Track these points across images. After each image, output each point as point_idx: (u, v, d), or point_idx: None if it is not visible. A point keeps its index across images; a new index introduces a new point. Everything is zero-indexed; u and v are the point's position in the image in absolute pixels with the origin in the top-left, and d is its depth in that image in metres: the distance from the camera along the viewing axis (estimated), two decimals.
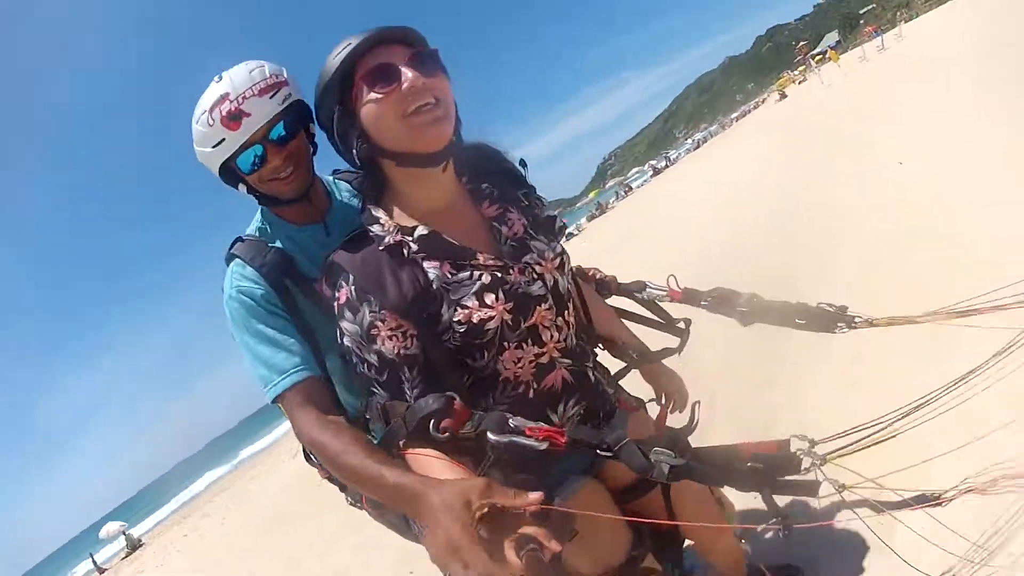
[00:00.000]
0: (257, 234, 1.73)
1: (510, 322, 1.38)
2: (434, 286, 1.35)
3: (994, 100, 7.30)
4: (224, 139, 1.58)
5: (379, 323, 1.34)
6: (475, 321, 1.35)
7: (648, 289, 1.94)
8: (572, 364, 1.50)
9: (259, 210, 1.77)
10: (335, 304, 1.39)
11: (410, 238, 1.39)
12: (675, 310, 2.05)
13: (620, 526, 1.59)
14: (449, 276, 1.37)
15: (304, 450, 1.77)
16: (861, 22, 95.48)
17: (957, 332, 1.91)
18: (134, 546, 22.58)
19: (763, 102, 74.98)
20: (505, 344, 1.39)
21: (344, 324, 1.38)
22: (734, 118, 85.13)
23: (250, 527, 11.46)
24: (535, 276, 1.44)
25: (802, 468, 1.20)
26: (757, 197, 10.28)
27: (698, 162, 36.36)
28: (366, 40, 1.33)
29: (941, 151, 6.64)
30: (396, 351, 1.34)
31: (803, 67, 68.54)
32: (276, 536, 8.68)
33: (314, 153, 1.73)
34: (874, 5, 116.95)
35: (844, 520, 1.95)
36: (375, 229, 1.41)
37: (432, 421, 1.26)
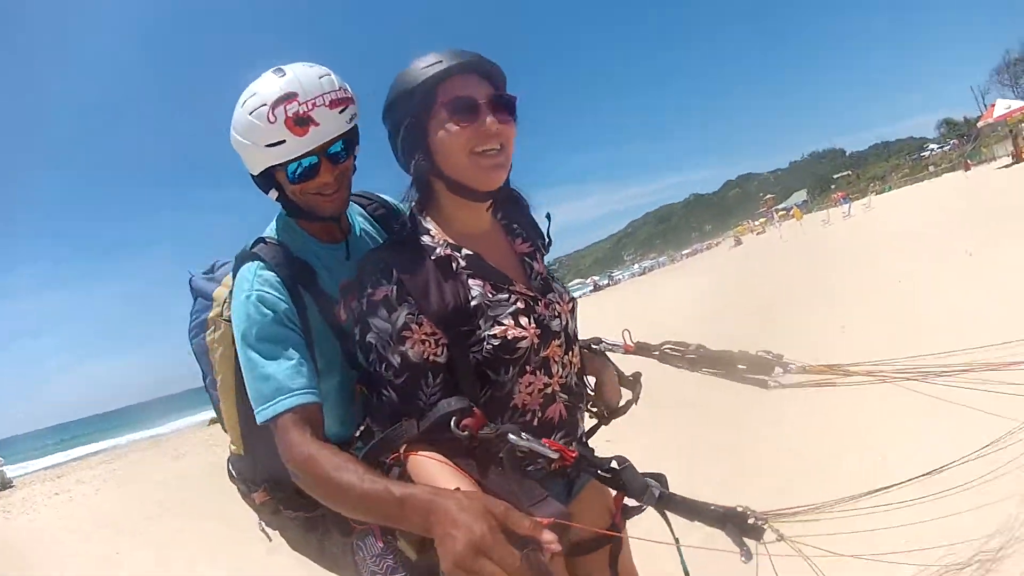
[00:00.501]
0: (278, 240, 1.65)
1: (536, 346, 1.43)
2: (475, 302, 1.40)
3: (947, 275, 8.45)
4: (285, 141, 1.50)
5: (414, 326, 1.37)
6: (509, 338, 1.39)
7: (603, 343, 2.01)
8: (568, 400, 1.54)
9: (277, 218, 1.71)
10: (365, 300, 1.41)
11: (459, 254, 1.45)
12: (629, 364, 2.13)
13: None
14: (490, 296, 1.43)
15: (229, 467, 1.87)
16: (833, 187, 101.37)
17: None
18: (4, 484, 21.76)
19: (716, 245, 79.79)
20: (527, 367, 1.43)
21: (374, 320, 1.39)
22: (684, 254, 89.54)
23: (128, 507, 11.42)
24: (556, 313, 1.52)
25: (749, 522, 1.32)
26: (690, 329, 10.55)
27: (639, 286, 39.60)
28: (458, 66, 1.41)
29: (883, 324, 6.95)
30: (424, 355, 1.36)
31: (765, 219, 71.99)
32: (152, 523, 8.79)
33: (353, 173, 1.69)
34: (849, 173, 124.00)
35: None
36: (425, 240, 1.47)
37: (454, 419, 1.27)
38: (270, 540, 1.92)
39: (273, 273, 1.51)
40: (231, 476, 1.87)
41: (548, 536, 0.99)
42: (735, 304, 12.91)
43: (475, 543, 0.97)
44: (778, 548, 1.33)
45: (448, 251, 1.44)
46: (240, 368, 1.58)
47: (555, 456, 1.27)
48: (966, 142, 64.16)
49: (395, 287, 1.38)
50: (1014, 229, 10.25)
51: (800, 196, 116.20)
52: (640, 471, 1.36)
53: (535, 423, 1.46)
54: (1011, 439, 1.95)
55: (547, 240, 1.69)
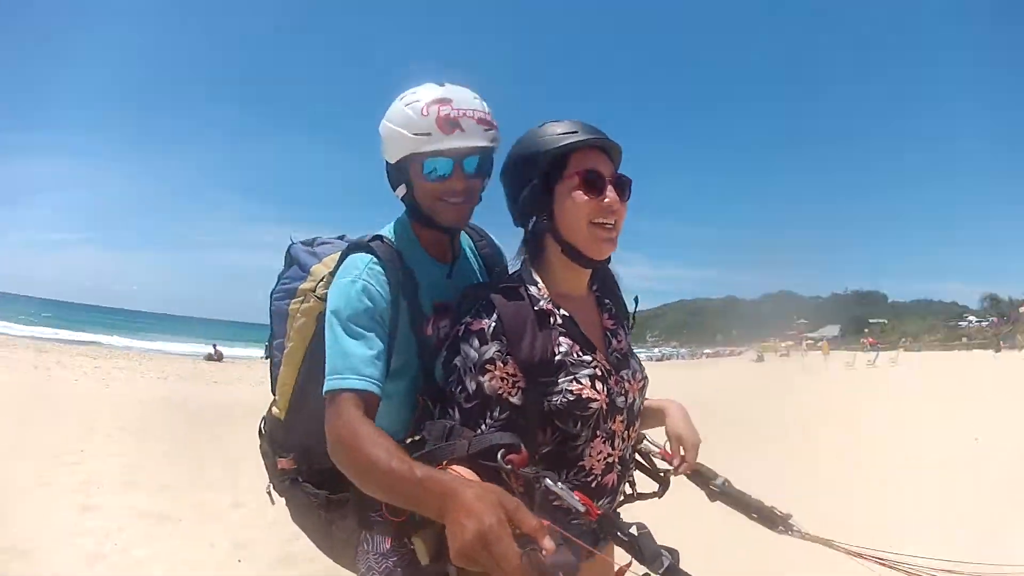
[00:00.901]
0: (395, 245, 1.71)
1: (604, 414, 1.53)
2: (559, 358, 1.51)
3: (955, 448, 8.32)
4: (431, 134, 1.59)
5: (499, 362, 1.47)
6: (584, 396, 1.49)
7: (645, 442, 1.99)
8: (621, 471, 1.64)
9: (396, 223, 1.78)
10: (463, 326, 1.53)
11: (557, 312, 1.57)
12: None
13: None
14: (576, 356, 1.53)
15: (260, 426, 1.96)
16: (866, 330, 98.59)
17: None
18: None
19: (740, 354, 77.09)
20: (598, 432, 1.54)
21: (465, 347, 1.50)
22: (706, 353, 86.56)
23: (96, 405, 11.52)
24: (623, 391, 1.61)
25: None
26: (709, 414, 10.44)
27: (654, 370, 36.86)
28: (591, 140, 1.56)
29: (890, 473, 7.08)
30: (498, 391, 1.47)
31: (792, 343, 70.46)
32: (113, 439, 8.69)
33: (477, 203, 1.75)
34: (885, 321, 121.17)
35: None
36: (532, 290, 1.59)
37: (502, 451, 1.37)
38: (273, 503, 1.98)
39: (383, 271, 1.58)
40: (260, 434, 1.96)
41: (548, 543, 1.04)
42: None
43: (483, 533, 1.02)
44: None
45: (550, 306, 1.57)
46: (312, 343, 1.74)
47: (582, 509, 1.35)
48: (1004, 323, 63.41)
49: (494, 324, 1.50)
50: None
51: (832, 330, 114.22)
52: (659, 543, 1.39)
53: (594, 485, 1.56)
54: None
55: (631, 322, 1.82)
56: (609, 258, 1.64)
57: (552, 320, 1.55)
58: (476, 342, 1.50)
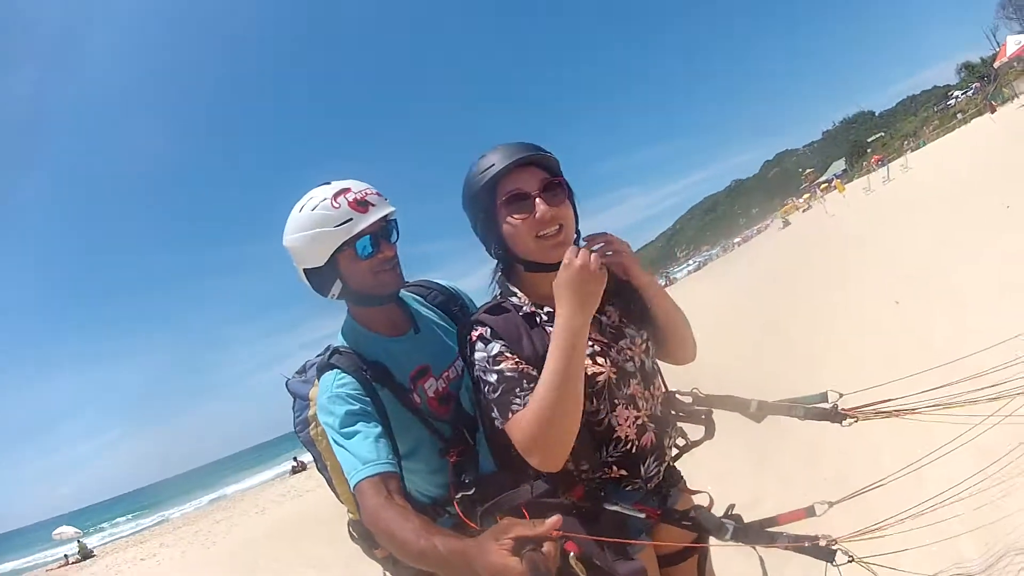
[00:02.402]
0: (350, 347, 1.86)
1: (615, 381, 1.65)
2: None
3: (991, 230, 8.15)
4: (352, 219, 1.75)
5: (507, 353, 1.61)
6: (589, 374, 1.59)
7: (675, 394, 2.00)
8: (656, 428, 1.72)
9: (344, 328, 1.94)
10: (467, 346, 1.68)
11: (541, 311, 1.69)
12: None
13: None
14: None
15: (349, 530, 2.05)
16: (868, 151, 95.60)
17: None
18: (85, 555, 22.64)
19: (766, 227, 75.94)
20: (616, 401, 1.65)
21: (474, 355, 1.64)
22: (736, 242, 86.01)
23: (220, 565, 11.61)
24: (628, 357, 1.71)
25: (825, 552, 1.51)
26: (751, 319, 11.09)
27: (699, 283, 37.30)
28: (506, 168, 1.64)
29: (933, 292, 7.05)
30: (517, 368, 1.58)
31: (808, 195, 69.47)
32: None
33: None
34: (882, 134, 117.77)
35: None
36: (513, 300, 1.73)
37: (560, 489, 1.58)
38: None
39: (350, 378, 1.74)
40: (352, 537, 2.07)
41: (550, 524, 1.16)
42: (793, 289, 12.87)
43: (495, 570, 1.17)
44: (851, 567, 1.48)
45: (533, 308, 1.70)
46: None
47: (643, 517, 1.53)
48: (987, 83, 62.27)
49: (488, 329, 1.65)
50: None
51: (839, 165, 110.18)
52: (718, 512, 1.60)
53: (633, 450, 1.66)
54: None
55: (625, 286, 1.83)
56: None
57: (539, 319, 1.68)
58: (480, 345, 1.64)
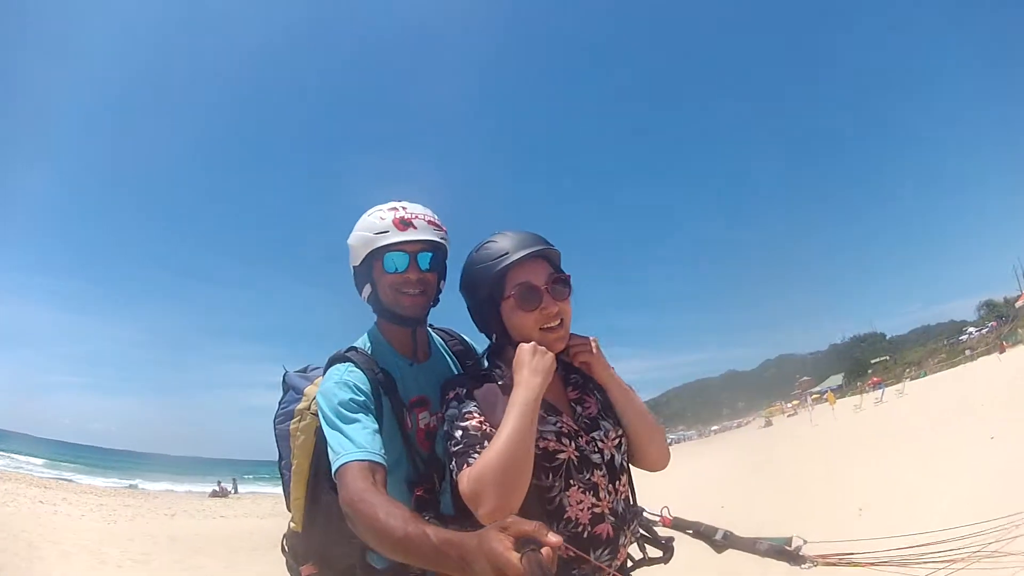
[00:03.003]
0: (368, 351, 1.97)
1: (575, 464, 1.73)
2: None
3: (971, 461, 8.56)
4: (388, 231, 1.90)
5: (476, 413, 1.73)
6: (550, 449, 1.71)
7: (644, 514, 2.12)
8: (615, 523, 1.75)
9: (367, 334, 2.05)
10: (444, 402, 1.80)
11: None
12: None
13: None
14: (542, 417, 1.72)
15: (283, 542, 2.17)
16: (869, 371, 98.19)
17: None
18: None
19: (747, 423, 78.08)
20: (572, 482, 1.71)
21: (448, 410, 1.77)
22: (714, 430, 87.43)
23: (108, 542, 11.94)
24: (597, 448, 1.78)
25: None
26: (718, 501, 11.06)
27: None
28: (522, 256, 1.77)
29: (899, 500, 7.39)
30: (480, 427, 1.69)
31: (797, 402, 70.47)
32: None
33: (434, 304, 2.03)
34: (887, 357, 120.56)
35: None
36: (496, 373, 1.84)
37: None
38: None
39: (362, 373, 1.82)
40: (283, 549, 2.17)
41: (554, 538, 1.15)
42: (764, 484, 13.35)
43: (495, 562, 1.16)
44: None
45: (512, 381, 1.74)
46: (315, 457, 1.96)
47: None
48: (1004, 323, 62.75)
49: (464, 390, 1.78)
50: None
51: (836, 380, 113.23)
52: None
53: (585, 535, 1.70)
54: None
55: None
56: (566, 350, 1.88)
57: None
58: (455, 403, 1.77)
